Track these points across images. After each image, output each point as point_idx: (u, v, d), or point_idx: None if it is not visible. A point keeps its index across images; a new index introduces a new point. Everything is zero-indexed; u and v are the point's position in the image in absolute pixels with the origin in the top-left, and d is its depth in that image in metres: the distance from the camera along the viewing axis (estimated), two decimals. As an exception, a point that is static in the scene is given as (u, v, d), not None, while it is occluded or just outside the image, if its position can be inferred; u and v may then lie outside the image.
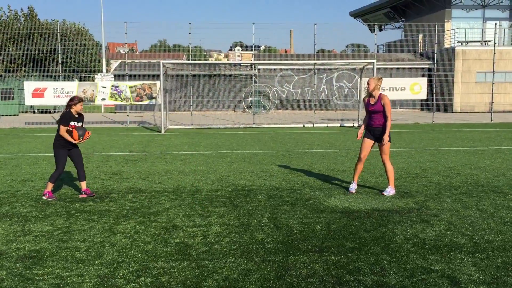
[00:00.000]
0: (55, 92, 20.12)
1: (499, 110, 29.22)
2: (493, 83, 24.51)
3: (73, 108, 7.19)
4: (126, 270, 4.43)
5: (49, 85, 20.33)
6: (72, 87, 20.26)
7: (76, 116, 7.25)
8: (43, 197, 7.25)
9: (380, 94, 7.41)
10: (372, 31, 44.86)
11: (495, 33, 24.17)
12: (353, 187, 7.69)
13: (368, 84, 7.43)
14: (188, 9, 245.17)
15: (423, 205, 6.78)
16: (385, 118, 7.39)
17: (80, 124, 7.29)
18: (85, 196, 7.41)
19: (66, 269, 4.46)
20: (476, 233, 5.47)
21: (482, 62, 29.71)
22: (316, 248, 5.01)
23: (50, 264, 4.60)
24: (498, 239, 5.25)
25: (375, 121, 7.44)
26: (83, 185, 7.46)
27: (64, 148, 7.25)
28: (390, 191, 7.49)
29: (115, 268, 4.48)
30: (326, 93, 31.82)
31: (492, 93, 24.41)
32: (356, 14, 47.12)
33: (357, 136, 7.71)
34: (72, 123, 7.17)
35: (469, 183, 8.30)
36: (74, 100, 7.18)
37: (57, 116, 26.83)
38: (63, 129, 7.13)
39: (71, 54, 38.67)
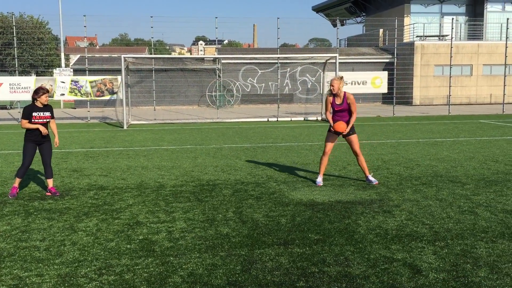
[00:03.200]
0: (11, 88, 19.44)
1: (456, 102, 30.14)
2: (450, 77, 25.23)
3: (38, 100, 7.05)
4: (88, 269, 4.33)
5: (5, 80, 19.61)
6: (29, 82, 19.62)
7: (41, 106, 7.08)
8: (9, 196, 7.04)
9: (345, 92, 7.60)
10: (334, 25, 45.33)
11: (452, 28, 24.86)
12: (320, 180, 7.78)
13: (332, 86, 7.50)
14: (150, 2, 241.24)
15: (385, 196, 6.92)
16: (350, 114, 7.66)
17: (48, 114, 7.13)
18: (49, 194, 7.21)
19: (25, 269, 4.32)
20: (436, 222, 5.62)
21: (439, 56, 30.53)
22: (281, 241, 5.03)
23: (8, 264, 4.44)
24: (456, 228, 5.41)
25: (341, 118, 7.65)
26: (50, 182, 7.26)
27: (32, 142, 7.09)
28: (373, 179, 7.80)
29: (77, 267, 4.37)
30: (290, 87, 32.02)
31: (450, 86, 25.15)
32: (318, 9, 47.50)
33: (333, 126, 7.62)
34: (35, 114, 7.00)
35: (429, 173, 8.53)
36: (38, 93, 7.04)
37: (13, 112, 25.95)
38: (23, 122, 7.01)
39: (27, 48, 37.45)
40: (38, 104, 7.06)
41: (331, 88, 7.52)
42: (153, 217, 5.94)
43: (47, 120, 7.16)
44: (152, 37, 25.12)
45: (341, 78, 7.62)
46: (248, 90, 31.70)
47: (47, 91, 7.13)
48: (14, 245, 4.98)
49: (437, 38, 32.68)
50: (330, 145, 7.75)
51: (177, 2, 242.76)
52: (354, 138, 7.72)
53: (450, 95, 25.26)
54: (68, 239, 5.14)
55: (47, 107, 7.16)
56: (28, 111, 7.01)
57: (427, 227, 5.44)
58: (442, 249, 4.76)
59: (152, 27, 23.88)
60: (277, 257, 4.58)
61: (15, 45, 23.07)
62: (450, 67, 25.04)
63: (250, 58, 30.52)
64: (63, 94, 19.88)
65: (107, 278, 4.13)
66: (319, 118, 21.61)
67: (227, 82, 31.11)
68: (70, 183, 8.01)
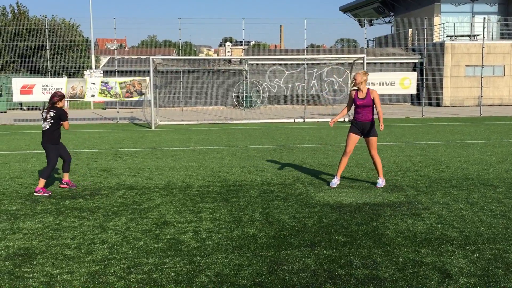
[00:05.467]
0: (44, 89, 19.93)
1: (488, 103, 29.46)
2: (482, 77, 24.68)
3: (59, 105, 7.53)
4: (117, 267, 4.40)
5: (38, 82, 20.13)
6: (61, 84, 20.08)
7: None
8: (35, 194, 7.26)
9: (369, 89, 7.48)
10: (362, 26, 44.91)
11: (483, 28, 24.31)
12: (335, 182, 7.67)
13: (354, 79, 7.48)
14: (178, 4, 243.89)
15: (414, 198, 6.81)
16: (373, 112, 7.55)
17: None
18: (66, 186, 7.68)
19: (56, 267, 4.42)
20: (467, 226, 5.50)
21: (471, 56, 29.89)
22: (308, 242, 5.01)
23: (40, 261, 4.55)
24: (488, 232, 5.29)
25: (363, 115, 7.51)
26: (66, 176, 7.73)
27: (57, 144, 7.54)
28: (381, 182, 7.64)
29: (106, 265, 4.45)
30: (317, 88, 31.86)
31: (481, 87, 24.59)
32: (346, 9, 47.13)
33: (330, 123, 7.84)
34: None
35: (459, 176, 8.35)
36: (56, 97, 7.49)
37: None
38: (67, 124, 7.57)
39: (59, 50, 38.33)
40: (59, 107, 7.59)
41: (354, 81, 7.48)
42: (180, 217, 5.99)
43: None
44: (180, 39, 25.39)
45: (365, 73, 7.55)
46: (275, 91, 31.69)
47: (64, 96, 7.62)
48: (46, 242, 5.10)
49: (468, 38, 31.99)
50: (351, 145, 7.62)
51: (205, 3, 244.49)
52: (373, 139, 7.51)
53: (481, 96, 24.70)
54: (98, 238, 5.24)
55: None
56: (65, 113, 7.54)
57: (458, 231, 5.33)
58: (473, 253, 4.65)
59: (180, 29, 24.14)
60: (303, 258, 4.56)
61: (47, 47, 23.66)
62: (482, 68, 24.50)
63: (277, 59, 30.52)
64: (93, 95, 20.27)
65: (135, 276, 4.19)
66: (347, 119, 21.42)
67: (254, 83, 31.17)
68: (100, 183, 8.16)
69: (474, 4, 35.14)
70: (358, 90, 7.51)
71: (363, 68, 19.93)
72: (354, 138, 7.59)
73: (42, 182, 7.33)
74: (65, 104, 7.76)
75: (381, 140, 13.68)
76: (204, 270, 4.32)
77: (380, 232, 5.32)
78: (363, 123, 7.51)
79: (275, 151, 11.75)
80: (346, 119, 21.38)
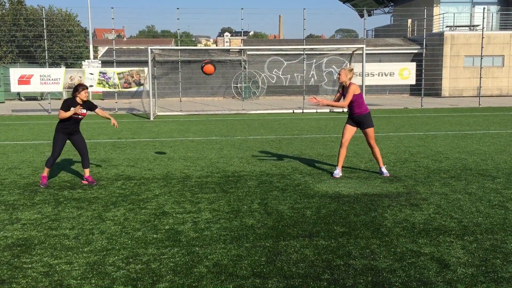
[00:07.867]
0: (42, 79, 19.86)
1: (487, 94, 29.43)
2: (481, 68, 24.63)
3: (78, 97, 7.18)
4: (116, 257, 4.41)
5: (36, 72, 20.05)
6: (59, 74, 20.00)
7: (81, 102, 7.22)
8: (40, 185, 7.22)
9: (350, 83, 7.52)
10: (361, 16, 44.68)
11: (483, 18, 24.22)
12: (337, 172, 7.72)
13: (339, 74, 7.54)
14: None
15: (412, 189, 6.82)
16: (364, 104, 7.58)
17: (84, 111, 7.30)
18: (86, 182, 7.40)
19: (54, 257, 4.42)
20: (465, 217, 5.51)
21: (470, 46, 29.80)
22: (307, 233, 5.01)
23: (39, 252, 4.56)
24: (486, 222, 5.30)
25: (354, 109, 7.61)
26: (86, 172, 7.43)
27: (63, 134, 7.23)
28: (386, 170, 7.78)
29: (105, 256, 4.45)
30: (316, 78, 31.78)
31: (480, 77, 24.55)
32: (345, -1, 46.90)
33: (313, 100, 7.21)
34: (73, 108, 7.14)
35: (458, 167, 8.36)
36: (78, 89, 7.16)
37: (44, 103, 26.52)
38: (61, 113, 7.12)
39: (57, 41, 38.17)
40: (78, 100, 7.20)
41: (338, 77, 7.56)
42: (179, 208, 6.00)
43: (83, 117, 7.34)
44: (178, 29, 25.26)
45: (351, 70, 7.60)
46: (274, 82, 31.61)
47: (87, 87, 7.26)
48: (44, 233, 5.10)
49: (467, 28, 31.88)
50: (347, 135, 7.68)
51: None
52: (369, 131, 7.63)
53: (480, 87, 24.66)
54: (97, 228, 5.24)
55: (85, 103, 7.30)
56: (68, 104, 7.15)
57: (456, 221, 5.34)
58: (471, 243, 4.66)
59: (178, 19, 23.99)
60: (302, 249, 4.57)
61: (45, 37, 23.53)
62: (481, 58, 24.44)
63: (276, 50, 30.41)
64: (91, 86, 20.20)
65: (134, 266, 4.20)
66: (345, 110, 21.39)
67: (253, 74, 31.07)
68: (98, 173, 8.16)
69: (474, -6, 34.96)
70: (343, 86, 7.60)
71: (362, 59, 19.88)
72: (350, 129, 7.70)
73: (45, 170, 7.29)
74: (84, 95, 7.16)
75: (380, 130, 13.68)
76: (202, 260, 4.32)
77: (378, 222, 5.33)
78: (358, 116, 7.62)
79: (274, 142, 11.75)
80: (345, 110, 21.36)
